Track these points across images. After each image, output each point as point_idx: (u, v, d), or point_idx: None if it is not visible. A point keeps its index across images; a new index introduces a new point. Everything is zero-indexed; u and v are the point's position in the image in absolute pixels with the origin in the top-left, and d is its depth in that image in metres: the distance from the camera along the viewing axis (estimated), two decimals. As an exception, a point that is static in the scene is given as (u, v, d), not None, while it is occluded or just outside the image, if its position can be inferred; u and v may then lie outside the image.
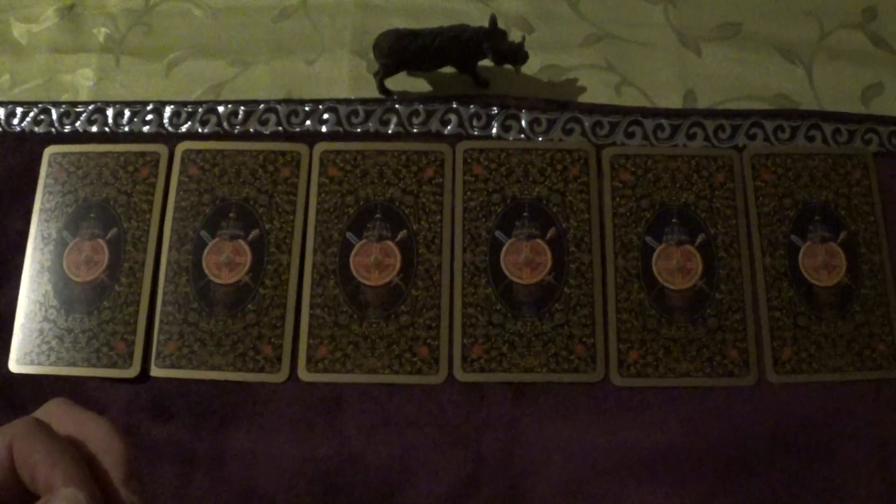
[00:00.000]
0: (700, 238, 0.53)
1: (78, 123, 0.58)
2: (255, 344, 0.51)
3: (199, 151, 0.56)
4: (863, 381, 0.50)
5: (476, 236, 0.53)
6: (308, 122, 0.57)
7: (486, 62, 0.55)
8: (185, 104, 0.58)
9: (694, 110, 0.57)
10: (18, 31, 0.63)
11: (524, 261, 0.52)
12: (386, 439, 0.49)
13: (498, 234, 0.53)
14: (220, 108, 0.58)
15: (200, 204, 0.54)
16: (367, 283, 0.52)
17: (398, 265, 0.52)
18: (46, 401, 0.53)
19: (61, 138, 0.57)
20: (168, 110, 0.58)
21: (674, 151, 0.55)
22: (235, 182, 0.55)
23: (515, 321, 0.51)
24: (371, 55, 0.57)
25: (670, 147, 0.55)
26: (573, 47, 0.60)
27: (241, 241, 0.53)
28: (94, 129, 0.58)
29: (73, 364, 0.51)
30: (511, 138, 0.56)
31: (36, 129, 0.58)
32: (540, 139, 0.56)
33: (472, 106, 0.57)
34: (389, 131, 0.56)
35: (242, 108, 0.58)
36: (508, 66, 0.56)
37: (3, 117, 0.59)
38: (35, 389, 0.51)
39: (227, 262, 0.53)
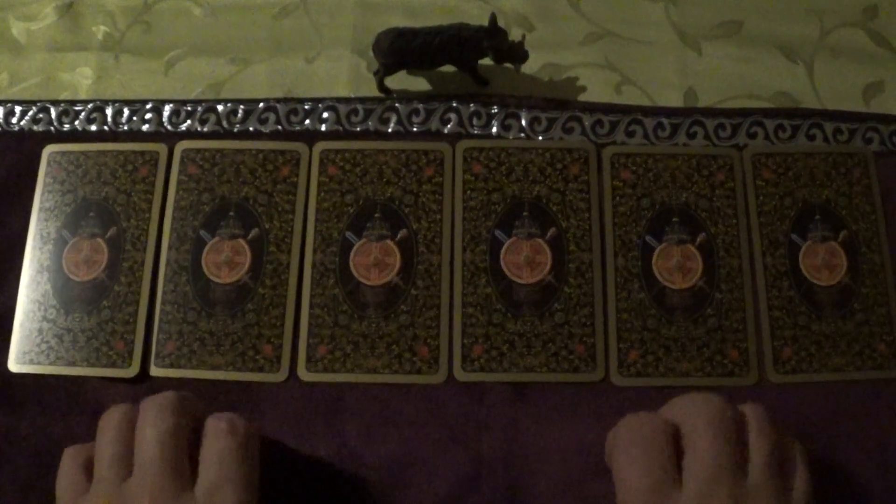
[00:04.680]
0: (700, 237, 0.53)
1: (77, 122, 0.58)
2: (255, 343, 0.51)
3: (198, 150, 0.56)
4: (863, 381, 0.50)
5: (476, 236, 0.53)
6: (308, 121, 0.57)
7: (486, 61, 0.55)
8: (184, 103, 0.58)
9: (694, 109, 0.57)
10: (17, 29, 0.62)
11: (524, 260, 0.52)
12: (386, 439, 0.49)
13: (498, 233, 0.53)
14: (220, 107, 0.58)
15: (200, 203, 0.54)
16: (366, 282, 0.52)
17: (398, 265, 0.52)
18: (46, 400, 0.53)
19: (60, 137, 0.57)
20: (167, 109, 0.58)
21: (674, 150, 0.55)
22: (235, 181, 0.55)
23: (515, 321, 0.51)
24: (371, 54, 0.57)
25: (671, 146, 0.55)
26: (573, 46, 0.60)
27: (241, 241, 0.53)
28: (94, 127, 0.58)
29: (73, 364, 0.51)
30: (511, 137, 0.56)
31: (35, 127, 0.58)
32: (540, 138, 0.56)
33: (471, 105, 0.57)
34: (389, 130, 0.56)
35: (242, 106, 0.58)
36: (508, 65, 0.56)
37: (1, 116, 0.58)
38: (34, 389, 0.51)
39: (226, 261, 0.53)
